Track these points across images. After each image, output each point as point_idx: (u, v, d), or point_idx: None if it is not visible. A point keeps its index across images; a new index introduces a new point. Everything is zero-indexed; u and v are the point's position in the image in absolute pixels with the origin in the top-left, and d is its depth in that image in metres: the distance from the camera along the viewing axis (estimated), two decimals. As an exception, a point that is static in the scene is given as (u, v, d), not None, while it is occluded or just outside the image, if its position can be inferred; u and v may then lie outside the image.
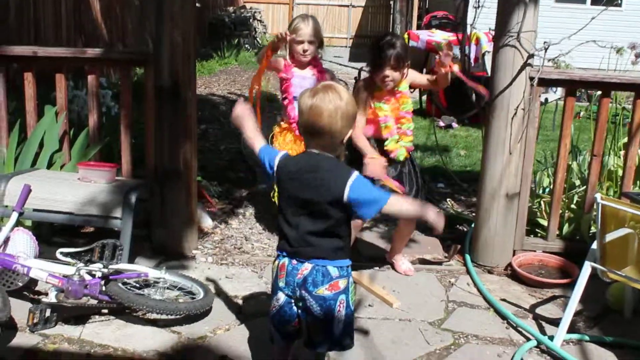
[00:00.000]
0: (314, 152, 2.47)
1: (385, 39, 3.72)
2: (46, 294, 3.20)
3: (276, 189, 2.67)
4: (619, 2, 15.10)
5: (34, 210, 3.62)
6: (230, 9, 19.29)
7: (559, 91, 10.19)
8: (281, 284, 2.49)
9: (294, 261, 2.46)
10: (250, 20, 18.30)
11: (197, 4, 15.61)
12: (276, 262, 2.54)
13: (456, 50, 9.00)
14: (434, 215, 2.45)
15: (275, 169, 2.52)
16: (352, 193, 2.35)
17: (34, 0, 7.90)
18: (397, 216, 2.41)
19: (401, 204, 2.48)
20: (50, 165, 4.14)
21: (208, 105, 9.48)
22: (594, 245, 3.16)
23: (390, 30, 16.19)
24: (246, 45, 16.64)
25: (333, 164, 2.44)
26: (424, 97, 9.96)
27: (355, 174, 2.41)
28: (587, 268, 3.14)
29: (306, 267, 2.43)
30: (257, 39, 18.50)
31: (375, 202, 2.39)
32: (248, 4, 21.94)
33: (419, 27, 16.68)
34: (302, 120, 2.46)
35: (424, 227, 4.75)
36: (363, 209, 2.40)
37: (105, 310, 3.27)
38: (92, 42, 9.67)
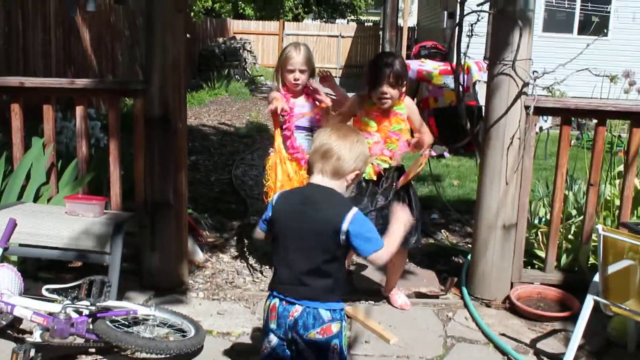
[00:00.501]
0: (313, 184, 2.40)
1: (385, 55, 3.68)
2: (31, 333, 3.08)
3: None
4: (605, 32, 15.23)
5: (20, 245, 3.50)
6: (220, 39, 19.38)
7: (550, 120, 10.21)
8: (273, 325, 2.39)
9: (285, 302, 2.36)
10: (240, 50, 18.38)
11: (188, 35, 15.69)
12: (267, 302, 2.44)
13: (447, 80, 9.06)
14: (405, 217, 2.45)
15: (273, 208, 2.44)
16: (351, 225, 2.27)
17: (24, 29, 7.85)
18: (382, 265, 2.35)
19: (389, 254, 2.37)
20: (37, 199, 4.04)
21: (198, 136, 9.42)
22: (596, 278, 3.07)
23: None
24: (236, 76, 16.67)
25: (333, 195, 2.37)
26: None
27: (355, 209, 2.33)
28: (589, 301, 3.05)
29: (297, 309, 2.33)
30: (247, 69, 18.56)
31: (373, 241, 2.31)
32: (238, 34, 22.05)
33: (408, 57, 16.76)
34: (314, 145, 2.42)
35: (420, 260, 4.68)
36: (361, 243, 2.30)
37: (93, 350, 3.15)
38: (82, 72, 9.63)
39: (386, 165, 3.69)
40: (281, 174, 3.92)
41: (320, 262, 2.31)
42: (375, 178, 3.66)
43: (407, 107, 3.75)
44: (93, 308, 3.05)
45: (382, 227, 3.68)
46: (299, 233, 2.34)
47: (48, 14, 8.52)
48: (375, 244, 2.31)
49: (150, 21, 3.64)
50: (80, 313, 3.08)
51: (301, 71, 3.93)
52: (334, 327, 2.35)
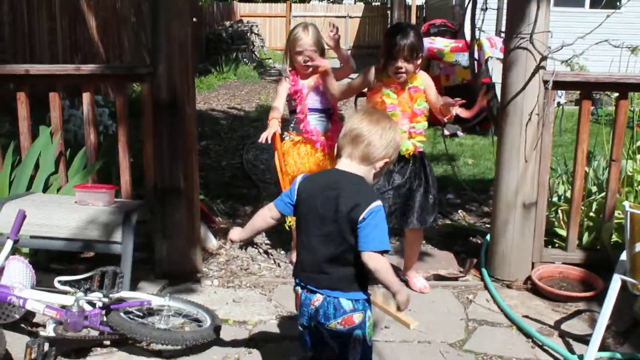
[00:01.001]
0: (340, 170, 2.33)
1: (399, 28, 3.58)
2: (44, 327, 3.01)
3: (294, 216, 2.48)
4: (618, 3, 14.95)
5: (31, 237, 3.44)
6: (227, 23, 19.24)
7: (563, 95, 10.04)
8: (299, 312, 2.39)
9: (306, 290, 2.32)
10: (248, 34, 18.23)
11: (194, 19, 15.56)
12: (294, 287, 2.42)
13: (458, 57, 8.91)
14: (403, 297, 2.27)
15: (296, 192, 2.37)
16: (368, 215, 2.18)
17: (29, 17, 7.76)
18: (372, 273, 2.24)
19: (386, 267, 2.23)
20: (46, 189, 3.97)
21: (208, 121, 9.34)
22: (623, 256, 2.97)
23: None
24: (244, 60, 16.54)
25: (358, 182, 2.29)
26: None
27: (379, 202, 2.22)
28: (616, 281, 2.94)
29: (317, 298, 2.29)
30: (255, 52, 18.42)
31: (378, 240, 2.19)
32: (245, 17, 21.89)
33: (417, 36, 16.56)
34: (345, 128, 2.34)
35: (437, 241, 4.59)
36: (366, 234, 2.18)
37: (107, 342, 3.09)
38: (88, 59, 9.55)
39: (423, 145, 3.68)
40: (296, 158, 3.88)
41: (340, 250, 2.24)
42: (410, 156, 3.63)
43: (424, 80, 3.67)
44: (106, 300, 2.98)
45: (399, 206, 3.62)
46: (320, 219, 2.27)
47: (53, 1, 8.42)
48: (380, 243, 2.19)
49: (155, 5, 3.53)
50: (93, 305, 3.01)
51: (311, 52, 3.81)
52: (356, 318, 2.27)
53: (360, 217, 2.18)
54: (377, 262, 2.19)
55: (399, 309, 2.29)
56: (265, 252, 4.37)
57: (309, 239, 2.31)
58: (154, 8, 3.55)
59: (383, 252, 2.21)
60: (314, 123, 3.86)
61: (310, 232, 2.31)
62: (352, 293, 2.27)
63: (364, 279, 2.30)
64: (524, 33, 3.54)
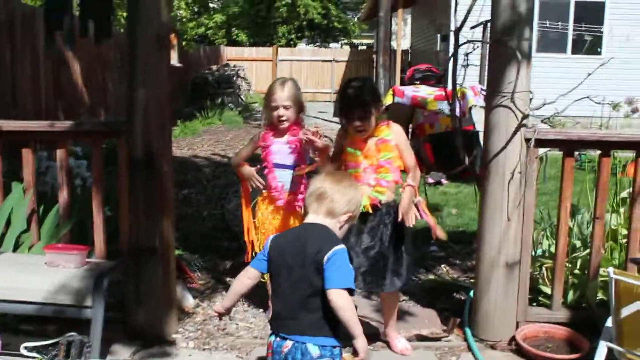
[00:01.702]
0: (306, 223, 2.57)
1: (349, 87, 3.53)
2: (7, 398, 2.87)
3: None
4: (599, 50, 15.18)
5: (-1, 300, 3.31)
6: (214, 67, 19.32)
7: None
8: None
9: (278, 338, 2.45)
10: (234, 78, 18.32)
11: (179, 64, 15.59)
12: (268, 339, 2.54)
13: (442, 105, 8.93)
14: (362, 344, 2.37)
15: (268, 249, 2.55)
16: (332, 257, 2.37)
17: (12, 62, 7.71)
18: (337, 311, 2.35)
19: (350, 307, 2.36)
20: (17, 247, 3.85)
21: (191, 168, 9.26)
22: (609, 323, 2.88)
23: (374, 82, 16.15)
24: (230, 105, 16.56)
25: (322, 230, 2.51)
26: (411, 153, 9.77)
27: (342, 246, 2.41)
28: (602, 349, 2.87)
29: (287, 345, 2.40)
30: (241, 96, 18.47)
31: (343, 279, 2.36)
32: (232, 61, 22.03)
33: (402, 81, 16.71)
34: (310, 189, 2.62)
35: (420, 297, 4.49)
36: (331, 273, 2.35)
37: (73, 413, 2.94)
38: (73, 105, 9.50)
39: (383, 197, 3.53)
40: (264, 213, 3.91)
41: (306, 294, 2.39)
42: (371, 210, 3.50)
43: (395, 133, 3.58)
44: (72, 370, 2.85)
45: (368, 268, 3.51)
46: (289, 268, 2.45)
47: (38, 46, 8.38)
48: (344, 281, 2.35)
49: (132, 60, 3.48)
50: (59, 374, 2.89)
51: (285, 107, 3.77)
52: None
53: (325, 259, 2.36)
54: (340, 299, 2.33)
55: (355, 354, 2.37)
56: (244, 310, 4.24)
57: (280, 288, 2.49)
58: (131, 62, 3.50)
59: (349, 292, 2.36)
60: (282, 180, 3.80)
61: (281, 281, 2.48)
62: (321, 338, 2.37)
63: (334, 324, 2.39)
64: (504, 92, 3.51)
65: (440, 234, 3.68)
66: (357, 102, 3.44)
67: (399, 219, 3.46)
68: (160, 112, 3.53)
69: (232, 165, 4.17)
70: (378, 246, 3.52)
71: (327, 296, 2.33)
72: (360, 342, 2.36)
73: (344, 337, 2.46)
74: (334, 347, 2.40)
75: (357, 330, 2.35)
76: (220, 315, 2.78)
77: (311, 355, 2.34)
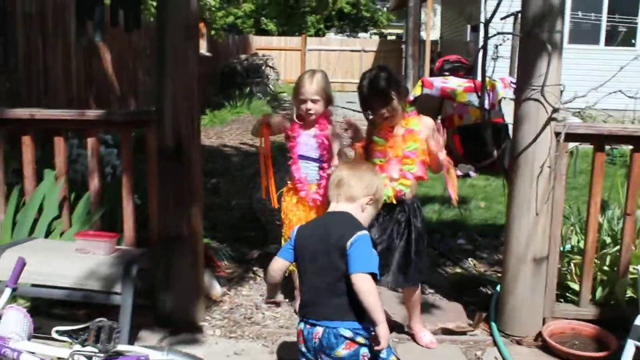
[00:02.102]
0: (329, 212, 2.63)
1: (366, 79, 3.51)
2: (39, 380, 2.93)
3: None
4: (633, 42, 14.91)
5: (31, 285, 3.38)
6: (243, 56, 19.34)
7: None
8: (303, 349, 2.51)
9: (308, 325, 2.49)
10: (263, 67, 18.35)
11: (209, 53, 15.64)
12: (297, 326, 2.58)
13: (471, 97, 8.87)
14: (383, 331, 2.34)
15: (294, 239, 2.59)
16: (356, 242, 2.40)
17: (44, 50, 7.81)
18: (360, 295, 2.36)
19: (373, 291, 2.37)
20: (49, 233, 3.93)
21: (220, 157, 9.32)
22: (638, 321, 2.85)
23: (403, 74, 16.08)
24: (258, 94, 16.58)
25: (345, 217, 2.55)
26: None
27: (365, 231, 2.44)
28: (630, 347, 2.85)
29: (318, 331, 2.45)
30: (270, 85, 18.50)
31: (366, 263, 2.38)
32: (260, 51, 22.03)
33: (431, 71, 16.57)
34: (330, 181, 2.70)
35: (447, 291, 4.48)
36: (355, 257, 2.39)
37: (102, 398, 2.99)
38: (103, 93, 9.59)
39: (407, 190, 3.53)
40: (289, 204, 3.93)
41: (332, 280, 2.43)
42: (395, 201, 3.49)
43: (424, 125, 3.55)
44: (102, 355, 2.89)
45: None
46: (314, 255, 2.51)
47: (69, 36, 8.48)
48: (368, 266, 2.37)
49: (161, 50, 3.52)
50: (90, 359, 2.94)
51: (313, 101, 3.77)
52: (359, 339, 2.40)
53: (348, 244, 2.40)
54: (364, 283, 2.35)
55: (377, 342, 2.34)
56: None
57: (306, 276, 2.54)
58: (159, 52, 3.53)
59: (373, 277, 2.38)
60: (305, 171, 3.82)
61: (307, 269, 2.53)
62: (349, 322, 2.41)
63: (361, 310, 2.40)
64: (535, 85, 3.47)
65: (454, 197, 3.71)
66: (374, 91, 3.42)
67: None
68: (189, 101, 3.56)
69: (255, 127, 4.06)
70: (386, 242, 3.49)
71: (351, 280, 2.37)
72: (382, 329, 2.34)
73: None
74: (364, 329, 2.42)
75: (379, 316, 2.35)
76: (276, 304, 2.90)
77: (345, 337, 2.38)
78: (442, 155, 3.60)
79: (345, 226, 2.48)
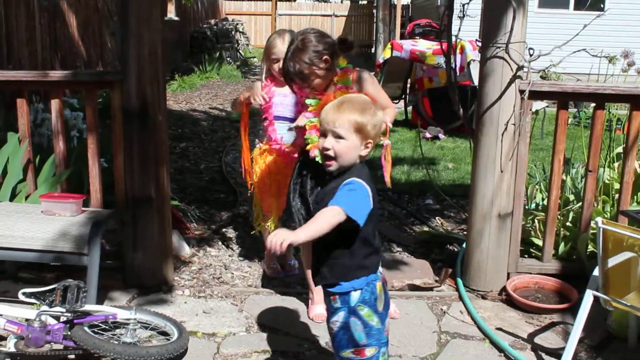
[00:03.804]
0: None
1: (284, 62, 3.28)
2: (5, 342, 2.93)
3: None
4: (602, 6, 14.97)
5: (-3, 248, 3.35)
6: (212, 21, 19.08)
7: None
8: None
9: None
10: (233, 32, 18.10)
11: (177, 18, 15.38)
12: (379, 283, 2.35)
13: (441, 59, 8.87)
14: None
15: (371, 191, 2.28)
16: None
17: (6, 15, 7.62)
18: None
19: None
20: (13, 197, 3.88)
21: (189, 122, 9.25)
22: (596, 272, 2.93)
23: (374, 39, 16.01)
24: (228, 59, 16.40)
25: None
26: (409, 108, 9.76)
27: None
28: (588, 297, 2.91)
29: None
30: (240, 51, 18.30)
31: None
32: (230, 15, 21.75)
33: (402, 36, 16.53)
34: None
35: (414, 249, 4.55)
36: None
37: (72, 357, 3.01)
38: (69, 58, 9.40)
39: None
40: (262, 166, 3.85)
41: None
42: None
43: (360, 79, 3.30)
44: (69, 314, 2.90)
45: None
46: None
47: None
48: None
49: (124, 10, 3.46)
50: (57, 319, 2.95)
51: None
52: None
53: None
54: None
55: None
56: (239, 259, 4.31)
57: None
58: (123, 13, 3.48)
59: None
60: (281, 132, 3.79)
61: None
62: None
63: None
64: (499, 42, 3.49)
65: (387, 181, 3.42)
66: (288, 75, 3.24)
67: None
68: (154, 61, 3.51)
69: (234, 104, 4.12)
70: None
71: None
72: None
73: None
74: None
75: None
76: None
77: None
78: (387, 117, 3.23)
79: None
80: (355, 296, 2.29)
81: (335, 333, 2.35)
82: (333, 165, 2.28)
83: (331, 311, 2.36)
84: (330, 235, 2.15)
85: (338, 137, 2.25)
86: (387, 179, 3.40)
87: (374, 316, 2.30)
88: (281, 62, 3.65)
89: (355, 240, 2.27)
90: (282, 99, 3.79)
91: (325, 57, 3.19)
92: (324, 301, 2.43)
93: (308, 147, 3.26)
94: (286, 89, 3.80)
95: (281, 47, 3.70)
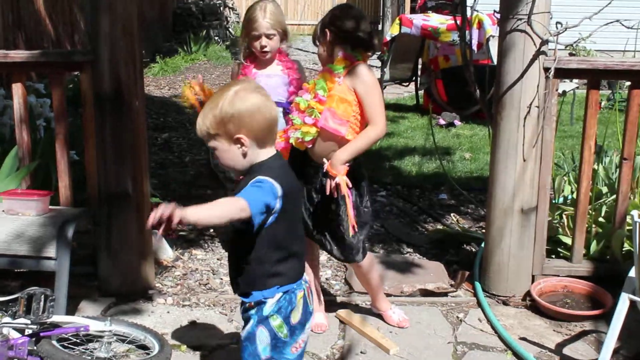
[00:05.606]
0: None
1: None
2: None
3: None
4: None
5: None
6: (198, -4, 19.03)
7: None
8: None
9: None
10: (221, 8, 18.08)
11: (158, -8, 15.29)
12: (300, 293, 2.37)
13: (456, 36, 8.85)
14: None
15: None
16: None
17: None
18: None
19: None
20: (-28, 194, 3.87)
21: (172, 110, 9.24)
22: (632, 273, 2.91)
23: (381, 14, 15.98)
24: (216, 38, 16.38)
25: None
26: (421, 92, 9.74)
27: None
28: (624, 301, 2.90)
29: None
30: (230, 29, 18.27)
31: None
32: (218, -11, 21.68)
33: (413, 10, 16.50)
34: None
35: (426, 249, 4.54)
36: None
37: (38, 374, 3.00)
38: (35, 39, 9.39)
39: (309, 138, 3.19)
40: None
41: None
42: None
43: (354, 73, 3.16)
44: (34, 327, 2.90)
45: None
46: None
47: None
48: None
49: (95, -22, 3.44)
50: (21, 332, 2.94)
51: (268, 36, 3.71)
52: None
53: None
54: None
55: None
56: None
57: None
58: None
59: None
60: None
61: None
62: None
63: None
64: (521, 14, 3.47)
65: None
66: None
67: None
68: (129, 39, 3.50)
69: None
70: (320, 208, 3.34)
71: None
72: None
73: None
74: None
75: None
76: None
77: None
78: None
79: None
80: (268, 305, 2.30)
81: (242, 342, 2.38)
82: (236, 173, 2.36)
83: (244, 319, 2.40)
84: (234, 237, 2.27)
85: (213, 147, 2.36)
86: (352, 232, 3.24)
87: (284, 327, 2.32)
88: (263, 38, 3.64)
89: (264, 244, 2.27)
90: (265, 80, 3.73)
91: (327, 31, 3.26)
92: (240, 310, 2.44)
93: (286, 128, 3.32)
94: (270, 69, 3.79)
95: (262, 21, 3.66)
